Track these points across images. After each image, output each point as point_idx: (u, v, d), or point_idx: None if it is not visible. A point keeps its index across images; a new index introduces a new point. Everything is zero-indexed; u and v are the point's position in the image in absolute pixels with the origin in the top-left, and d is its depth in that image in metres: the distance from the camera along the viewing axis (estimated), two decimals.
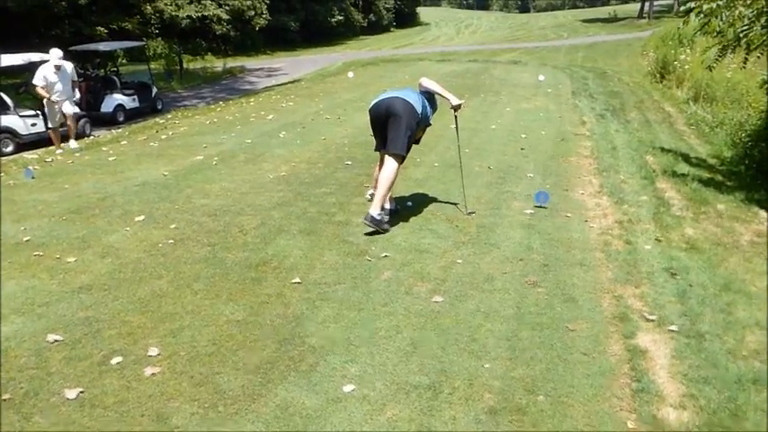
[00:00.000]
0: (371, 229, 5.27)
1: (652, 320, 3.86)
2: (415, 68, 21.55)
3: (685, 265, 4.75)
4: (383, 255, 4.85)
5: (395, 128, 5.29)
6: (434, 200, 6.36)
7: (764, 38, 6.77)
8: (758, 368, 3.36)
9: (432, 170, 7.61)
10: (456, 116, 5.99)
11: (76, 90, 11.06)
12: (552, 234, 5.39)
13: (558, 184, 7.07)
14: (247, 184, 6.97)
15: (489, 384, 3.19)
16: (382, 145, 5.51)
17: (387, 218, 5.47)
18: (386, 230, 5.32)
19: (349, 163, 7.84)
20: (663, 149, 9.17)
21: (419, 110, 5.42)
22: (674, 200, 6.68)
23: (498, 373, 3.28)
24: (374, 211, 5.27)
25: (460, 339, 3.62)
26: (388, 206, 5.63)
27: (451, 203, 6.23)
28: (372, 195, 5.70)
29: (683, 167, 8.15)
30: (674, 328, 3.76)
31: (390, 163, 5.29)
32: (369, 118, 5.61)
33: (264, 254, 4.88)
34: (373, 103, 5.53)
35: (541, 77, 18.09)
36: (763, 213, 6.60)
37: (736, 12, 6.65)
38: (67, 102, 10.47)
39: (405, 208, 6.05)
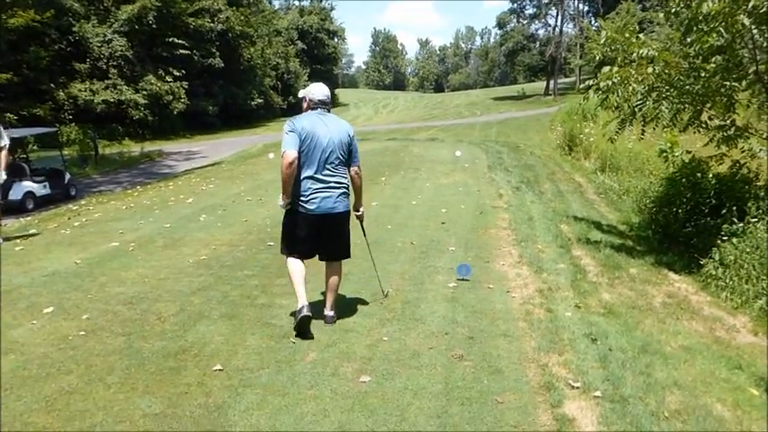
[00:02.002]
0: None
1: (577, 387, 3.91)
2: None
3: (604, 330, 4.88)
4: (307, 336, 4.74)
5: (339, 235, 4.99)
6: (359, 277, 6.33)
7: (657, 111, 7.28)
8: (680, 429, 3.43)
9: (354, 248, 7.57)
10: (361, 222, 5.45)
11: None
12: (476, 306, 5.45)
13: (479, 256, 7.21)
14: (166, 269, 6.75)
15: None
16: (314, 251, 5.01)
17: None
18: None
19: (271, 244, 7.74)
20: (576, 218, 9.56)
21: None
22: (590, 266, 6.92)
23: None
24: (330, 311, 5.02)
25: (389, 419, 3.53)
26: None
27: (376, 280, 6.21)
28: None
29: (596, 234, 8.50)
30: (598, 393, 3.82)
31: (339, 268, 5.09)
32: (300, 219, 4.82)
33: (184, 341, 4.68)
34: (312, 205, 4.75)
35: (458, 153, 18.73)
36: (672, 275, 6.92)
37: (630, 88, 7.15)
38: None
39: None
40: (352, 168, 4.93)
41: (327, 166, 4.72)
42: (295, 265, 4.85)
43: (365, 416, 3.58)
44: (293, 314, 4.89)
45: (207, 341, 4.67)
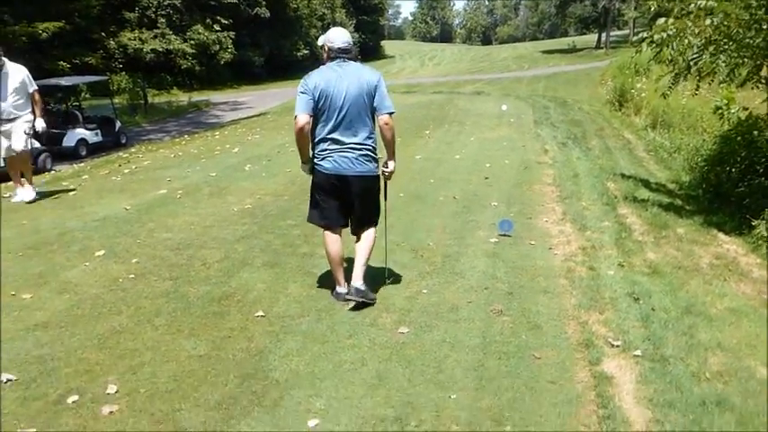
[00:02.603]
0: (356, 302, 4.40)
1: (617, 346, 3.88)
2: None
3: (647, 290, 4.81)
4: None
5: (363, 199, 4.46)
6: (399, 230, 6.35)
7: (714, 65, 6.98)
8: (721, 390, 3.39)
9: (396, 201, 7.59)
10: (386, 181, 4.74)
11: (35, 109, 7.66)
12: (516, 262, 5.42)
13: (521, 212, 7.14)
14: (211, 217, 6.89)
15: (456, 416, 3.15)
16: (341, 220, 4.55)
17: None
18: (373, 300, 4.48)
19: None
20: (623, 176, 9.35)
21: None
22: (636, 225, 6.79)
23: (465, 405, 3.25)
24: (358, 281, 4.41)
25: (426, 371, 3.58)
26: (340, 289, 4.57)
27: (418, 233, 6.23)
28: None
29: (644, 193, 8.31)
30: (638, 353, 3.78)
31: (368, 235, 4.55)
32: (319, 179, 4.41)
33: (227, 287, 4.80)
34: (328, 163, 4.31)
35: (504, 107, 18.40)
36: (721, 236, 6.74)
37: (686, 41, 6.86)
38: (17, 131, 7.46)
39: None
40: (380, 118, 4.27)
41: (344, 125, 4.22)
42: (328, 243, 4.47)
43: (402, 366, 3.63)
44: (335, 295, 4.59)
45: (250, 288, 4.78)
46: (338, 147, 4.25)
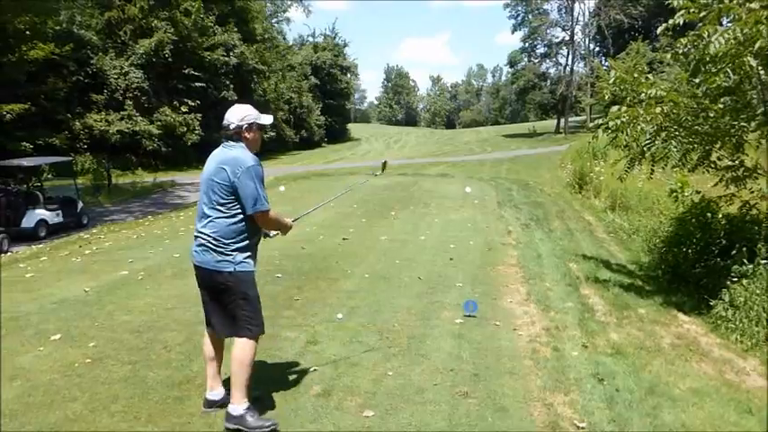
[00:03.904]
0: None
1: (582, 428, 3.87)
2: (346, 182, 21.99)
3: (611, 370, 4.84)
4: (312, 369, 4.74)
5: (214, 300, 3.94)
6: (365, 311, 6.33)
7: (666, 151, 7.30)
8: None
9: (362, 281, 7.62)
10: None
11: None
12: (482, 343, 5.42)
13: (486, 292, 7.19)
14: (174, 298, 6.77)
15: None
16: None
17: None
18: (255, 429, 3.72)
19: (279, 276, 7.77)
20: (585, 257, 9.53)
21: None
22: (598, 305, 6.88)
23: None
24: (231, 404, 3.80)
25: None
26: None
27: (381, 314, 6.21)
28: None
29: (605, 274, 8.46)
30: None
31: (240, 345, 3.87)
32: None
33: (189, 371, 4.68)
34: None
35: (468, 189, 18.77)
36: (681, 316, 6.86)
37: (638, 128, 7.19)
38: None
39: (335, 320, 5.98)
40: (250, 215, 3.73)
41: (198, 210, 3.90)
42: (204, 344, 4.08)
43: None
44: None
45: None
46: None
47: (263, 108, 41.42)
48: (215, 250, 3.72)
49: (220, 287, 3.77)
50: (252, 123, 3.79)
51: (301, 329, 5.68)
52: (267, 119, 3.93)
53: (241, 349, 3.77)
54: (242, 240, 3.74)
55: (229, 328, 3.85)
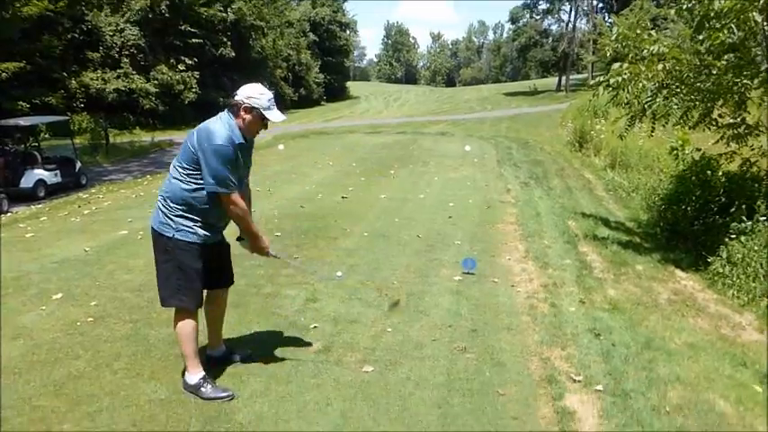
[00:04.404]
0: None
1: (579, 381, 3.92)
2: (345, 140, 21.93)
3: (608, 326, 4.88)
4: (312, 326, 4.79)
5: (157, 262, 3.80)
6: (364, 269, 6.36)
7: (667, 108, 7.25)
8: (681, 423, 3.44)
9: (361, 240, 7.65)
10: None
11: None
12: (480, 299, 5.46)
13: (485, 250, 7.22)
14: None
15: None
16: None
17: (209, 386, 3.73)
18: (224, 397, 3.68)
19: (278, 234, 7.79)
20: (584, 214, 9.54)
21: None
22: (596, 262, 6.92)
23: None
24: (190, 375, 3.77)
25: (391, 409, 3.56)
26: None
27: (381, 271, 6.25)
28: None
29: (603, 231, 8.48)
30: (599, 387, 3.83)
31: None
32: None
33: None
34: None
35: (468, 148, 18.71)
36: (678, 272, 6.91)
37: (640, 85, 7.12)
38: None
39: (334, 277, 6.02)
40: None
41: None
42: None
43: (367, 405, 3.61)
44: None
45: None
46: None
47: (258, 67, 40.93)
48: (161, 211, 3.64)
49: (161, 250, 3.68)
50: (253, 107, 3.57)
51: (300, 287, 5.72)
52: (275, 115, 3.65)
53: (177, 323, 3.74)
54: (190, 211, 3.59)
55: (162, 294, 3.73)
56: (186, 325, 3.73)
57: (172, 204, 3.60)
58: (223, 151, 3.45)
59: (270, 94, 3.65)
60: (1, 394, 3.67)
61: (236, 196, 3.59)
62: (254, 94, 3.59)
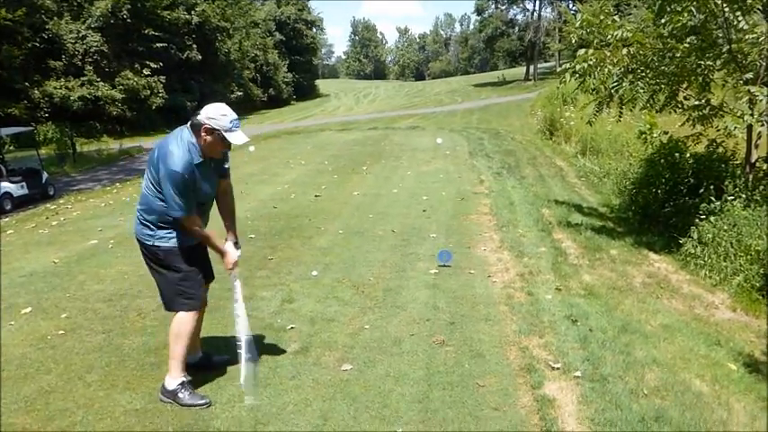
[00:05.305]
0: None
1: (557, 368, 3.93)
2: (317, 139, 21.81)
3: (585, 311, 4.91)
4: (289, 327, 4.74)
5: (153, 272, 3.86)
6: (339, 267, 6.32)
7: (633, 93, 7.31)
8: (659, 405, 3.47)
9: (336, 237, 7.60)
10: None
11: None
12: (457, 292, 5.46)
13: (460, 242, 7.22)
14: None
15: None
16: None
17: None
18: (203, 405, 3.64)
19: (252, 236, 7.71)
20: (557, 202, 9.60)
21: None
22: (571, 249, 6.96)
23: None
24: (171, 379, 3.72)
25: (371, 406, 3.54)
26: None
27: (357, 269, 6.21)
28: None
29: (577, 218, 8.55)
30: (578, 374, 3.85)
31: (174, 319, 3.83)
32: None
33: (164, 336, 4.59)
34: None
35: (439, 140, 18.73)
36: (652, 255, 6.98)
37: (606, 70, 7.17)
38: None
39: (310, 277, 5.97)
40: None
41: None
42: None
43: (347, 403, 3.58)
44: None
45: None
46: None
47: (226, 69, 40.54)
48: (141, 222, 3.69)
49: (150, 258, 3.73)
50: (213, 129, 3.45)
51: (276, 289, 5.67)
52: (237, 138, 3.50)
53: (177, 323, 3.71)
54: (165, 221, 3.59)
55: (165, 300, 3.79)
56: (185, 324, 3.72)
57: (149, 217, 3.63)
58: (176, 178, 3.39)
59: (233, 116, 3.51)
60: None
61: (190, 219, 3.55)
62: (215, 115, 3.46)
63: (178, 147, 3.44)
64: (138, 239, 3.75)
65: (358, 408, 3.53)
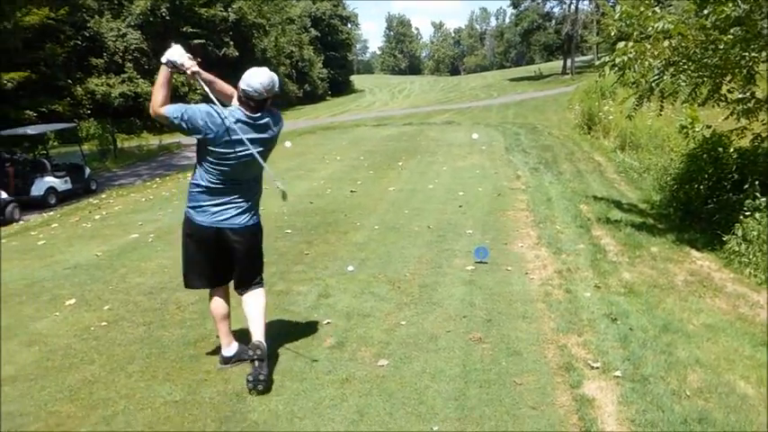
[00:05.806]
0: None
1: (597, 368, 3.87)
2: (352, 134, 21.87)
3: (625, 310, 4.83)
4: (326, 322, 4.76)
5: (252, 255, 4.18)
6: (375, 262, 6.33)
7: (675, 86, 7.15)
8: (702, 407, 3.39)
9: (372, 233, 7.61)
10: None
11: None
12: (494, 288, 5.41)
13: (497, 238, 7.16)
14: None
15: None
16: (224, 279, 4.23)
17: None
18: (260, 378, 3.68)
19: (289, 231, 7.77)
20: (596, 198, 9.46)
21: None
22: (610, 246, 6.85)
23: None
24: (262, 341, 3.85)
25: (408, 403, 3.53)
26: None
27: (393, 264, 6.21)
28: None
29: (616, 214, 8.41)
30: (618, 373, 3.78)
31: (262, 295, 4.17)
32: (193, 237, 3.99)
33: (203, 329, 4.71)
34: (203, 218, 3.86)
35: (475, 136, 18.59)
36: (694, 253, 6.83)
37: (646, 63, 7.02)
38: None
39: (346, 273, 5.99)
40: None
41: None
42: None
43: (383, 399, 3.58)
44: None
45: None
46: None
47: (263, 64, 41.27)
48: (245, 211, 4.10)
49: (251, 241, 4.23)
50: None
51: (313, 283, 5.70)
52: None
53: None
54: (190, 190, 3.89)
55: (259, 273, 4.30)
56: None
57: (252, 202, 4.17)
58: (201, 107, 3.90)
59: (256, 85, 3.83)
60: (1, 394, 3.65)
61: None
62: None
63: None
64: (233, 230, 3.95)
65: (394, 404, 3.52)
